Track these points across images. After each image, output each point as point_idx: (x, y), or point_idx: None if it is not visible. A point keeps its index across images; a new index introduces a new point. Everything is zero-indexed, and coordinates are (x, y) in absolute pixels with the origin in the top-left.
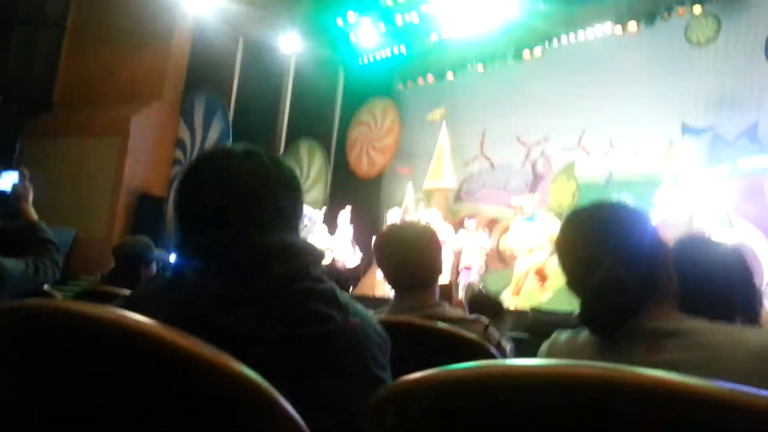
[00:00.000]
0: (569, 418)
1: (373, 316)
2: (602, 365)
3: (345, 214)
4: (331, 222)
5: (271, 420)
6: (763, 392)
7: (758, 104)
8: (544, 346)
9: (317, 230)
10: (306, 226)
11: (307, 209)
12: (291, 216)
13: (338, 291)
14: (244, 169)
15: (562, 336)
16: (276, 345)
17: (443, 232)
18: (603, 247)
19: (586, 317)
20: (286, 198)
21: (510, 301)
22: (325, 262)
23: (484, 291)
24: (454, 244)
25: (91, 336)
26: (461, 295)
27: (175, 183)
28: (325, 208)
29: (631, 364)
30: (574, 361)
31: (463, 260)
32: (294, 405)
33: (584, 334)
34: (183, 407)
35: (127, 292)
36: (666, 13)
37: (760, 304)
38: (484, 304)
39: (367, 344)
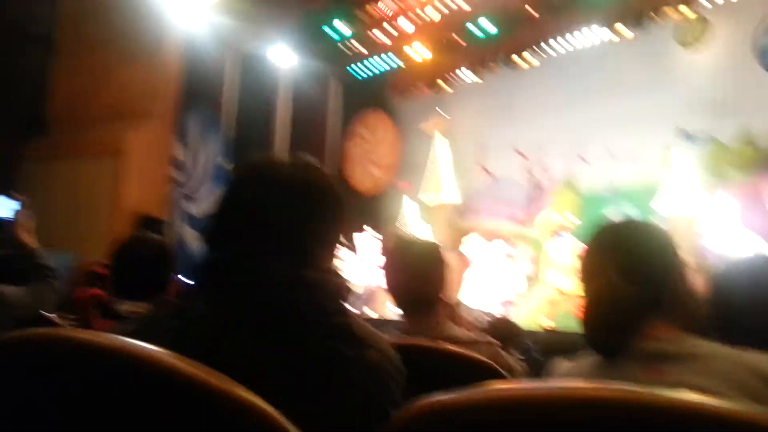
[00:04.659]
0: None
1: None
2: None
3: (364, 236)
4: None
5: None
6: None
7: (752, 106)
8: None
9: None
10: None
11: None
12: (324, 239)
13: (355, 324)
14: (290, 180)
15: (563, 366)
16: (282, 382)
17: (483, 254)
18: (609, 260)
19: (585, 330)
20: (326, 218)
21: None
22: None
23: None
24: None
25: (97, 364)
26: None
27: None
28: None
29: None
30: (580, 382)
31: (502, 293)
32: None
33: (585, 362)
34: None
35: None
36: (653, 14)
37: None
38: (503, 329)
39: (384, 380)
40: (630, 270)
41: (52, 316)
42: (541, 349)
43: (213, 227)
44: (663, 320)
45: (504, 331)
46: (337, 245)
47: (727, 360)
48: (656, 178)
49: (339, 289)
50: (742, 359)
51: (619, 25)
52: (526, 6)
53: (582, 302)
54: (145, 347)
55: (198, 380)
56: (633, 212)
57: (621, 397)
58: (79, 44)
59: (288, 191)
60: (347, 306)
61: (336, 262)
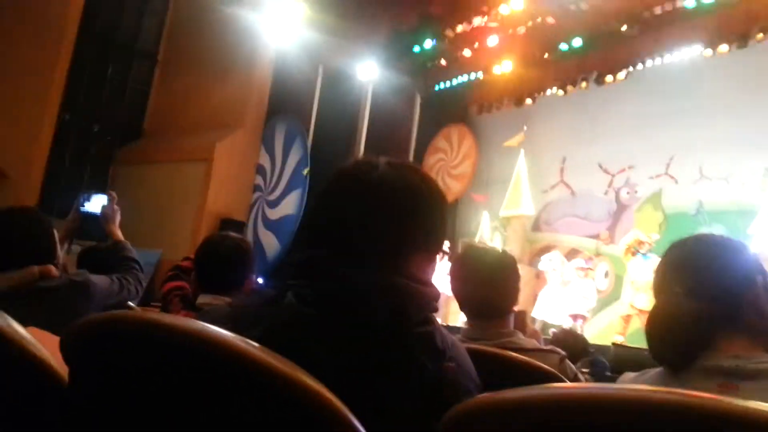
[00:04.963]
0: None
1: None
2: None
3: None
4: None
5: None
6: None
7: None
8: None
9: None
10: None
11: None
12: (419, 246)
13: (438, 336)
14: (386, 182)
15: (629, 376)
16: (357, 384)
17: (559, 268)
18: (675, 276)
19: (650, 345)
20: (421, 224)
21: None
22: None
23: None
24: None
25: (176, 348)
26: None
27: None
28: None
29: None
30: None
31: (572, 307)
32: None
33: (651, 373)
34: (263, 425)
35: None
36: (761, 35)
37: None
38: (570, 341)
39: (457, 392)
40: (696, 286)
41: (134, 305)
42: (612, 365)
43: (305, 226)
44: (741, 337)
45: (571, 345)
46: (436, 252)
47: None
48: (749, 199)
49: (427, 298)
50: None
51: (717, 44)
52: (618, 22)
53: (648, 317)
54: (218, 332)
55: (265, 365)
56: (722, 232)
57: (674, 401)
58: (180, 60)
59: (381, 193)
60: (433, 316)
61: (434, 269)
